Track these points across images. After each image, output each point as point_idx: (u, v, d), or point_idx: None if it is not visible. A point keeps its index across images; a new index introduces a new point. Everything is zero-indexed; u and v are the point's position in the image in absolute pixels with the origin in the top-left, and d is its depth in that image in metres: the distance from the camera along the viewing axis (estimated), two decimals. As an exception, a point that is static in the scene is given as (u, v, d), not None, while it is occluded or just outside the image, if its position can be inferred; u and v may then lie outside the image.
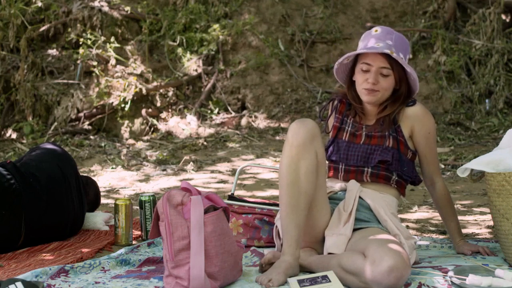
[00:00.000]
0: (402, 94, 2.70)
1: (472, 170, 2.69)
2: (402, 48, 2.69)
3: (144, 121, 6.81)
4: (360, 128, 2.77)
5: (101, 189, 3.78)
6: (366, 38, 2.73)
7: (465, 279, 2.34)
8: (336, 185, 2.76)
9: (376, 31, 2.71)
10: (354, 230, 2.58)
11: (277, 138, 6.44)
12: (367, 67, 2.66)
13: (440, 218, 3.63)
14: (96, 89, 6.91)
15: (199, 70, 7.17)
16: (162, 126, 6.76)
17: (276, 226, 2.73)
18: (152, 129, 6.78)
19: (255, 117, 6.86)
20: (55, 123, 6.71)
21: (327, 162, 2.78)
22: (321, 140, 2.57)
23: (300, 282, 2.35)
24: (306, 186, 2.48)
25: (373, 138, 2.73)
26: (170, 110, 6.99)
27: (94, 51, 7.04)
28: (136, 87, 6.85)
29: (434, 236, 3.29)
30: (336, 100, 2.87)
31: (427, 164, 2.79)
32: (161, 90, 6.99)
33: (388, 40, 2.67)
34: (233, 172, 5.25)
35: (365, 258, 2.34)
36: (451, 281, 2.37)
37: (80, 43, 7.08)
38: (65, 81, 7.02)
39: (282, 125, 6.73)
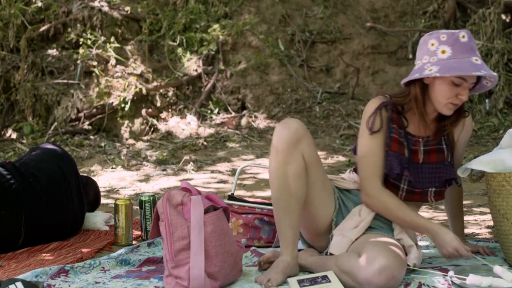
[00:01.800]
0: (463, 103, 2.60)
1: (472, 170, 2.69)
2: None
3: (144, 121, 6.81)
4: (417, 142, 2.61)
5: (101, 189, 3.78)
6: (456, 44, 2.50)
7: (465, 279, 2.34)
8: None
9: (464, 37, 2.52)
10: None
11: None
12: (460, 82, 2.48)
13: (440, 218, 3.64)
14: (96, 89, 6.91)
15: (199, 70, 7.17)
16: (162, 126, 6.77)
17: None
18: (152, 129, 6.79)
19: (255, 117, 6.86)
20: (55, 123, 6.71)
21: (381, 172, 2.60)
22: (308, 139, 2.50)
23: (300, 282, 2.35)
24: (295, 189, 2.46)
25: (431, 154, 2.60)
26: (170, 110, 6.99)
27: (94, 51, 7.04)
28: (136, 87, 6.85)
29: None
30: (385, 109, 2.59)
31: (456, 164, 2.73)
32: (161, 90, 6.99)
33: (477, 51, 2.53)
34: (233, 172, 5.25)
35: (359, 258, 2.34)
36: (452, 281, 2.37)
37: (80, 43, 7.08)
38: (65, 81, 7.02)
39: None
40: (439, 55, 2.50)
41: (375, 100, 2.62)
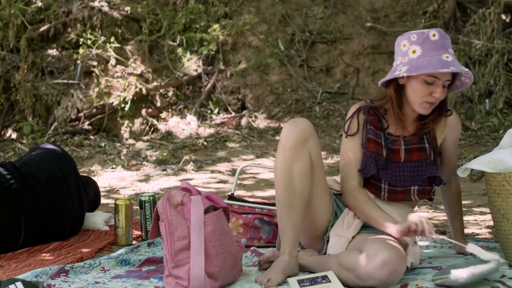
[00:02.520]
0: (445, 101, 2.61)
1: (472, 170, 2.69)
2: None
3: (144, 121, 6.81)
4: (398, 142, 2.63)
5: (101, 189, 3.78)
6: (426, 43, 2.52)
7: (447, 277, 2.33)
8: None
9: (434, 35, 2.53)
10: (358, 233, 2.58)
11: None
12: (433, 80, 2.50)
13: (440, 218, 3.64)
14: (96, 89, 6.91)
15: (199, 70, 7.17)
16: (162, 126, 6.77)
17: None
18: (152, 129, 6.79)
19: (255, 117, 6.86)
20: (55, 123, 6.71)
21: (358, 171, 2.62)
22: (315, 139, 2.53)
23: (300, 282, 2.35)
24: (300, 187, 2.47)
25: (413, 152, 2.62)
26: (170, 110, 6.99)
27: (94, 51, 7.04)
28: (136, 87, 6.85)
29: (434, 236, 3.29)
30: (362, 112, 2.65)
31: (449, 166, 2.74)
32: (161, 90, 6.99)
33: (449, 48, 2.53)
34: (233, 172, 5.25)
35: (360, 254, 2.35)
36: (435, 284, 2.36)
37: (80, 43, 7.08)
38: (65, 81, 7.02)
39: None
40: (410, 55, 2.53)
41: (355, 105, 2.70)
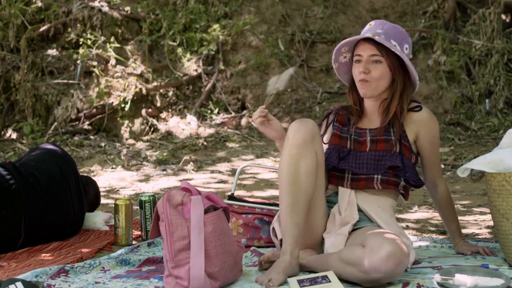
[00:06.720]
0: (398, 84, 2.65)
1: (472, 170, 2.69)
2: (395, 36, 2.64)
3: (144, 121, 6.81)
4: (364, 133, 2.70)
5: (101, 189, 3.78)
6: (362, 32, 2.72)
7: (451, 279, 2.33)
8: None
9: (370, 24, 2.71)
10: (352, 231, 2.59)
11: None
12: (359, 58, 2.66)
13: (440, 218, 3.64)
14: (96, 89, 6.91)
15: (199, 70, 7.17)
16: (162, 126, 6.77)
17: (273, 228, 2.71)
18: (152, 129, 6.79)
19: (255, 117, 6.85)
20: (55, 123, 6.71)
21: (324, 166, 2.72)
22: (320, 140, 2.59)
23: (300, 282, 2.35)
24: (306, 185, 2.48)
25: (378, 143, 2.66)
26: (170, 110, 6.99)
27: (94, 51, 7.04)
28: (136, 87, 6.85)
29: (434, 236, 3.29)
30: (331, 114, 2.83)
31: (430, 167, 2.76)
32: (161, 90, 6.99)
33: (378, 29, 2.64)
34: (233, 172, 5.25)
35: (363, 248, 2.35)
36: (437, 282, 2.36)
37: (80, 43, 7.08)
38: (65, 81, 7.02)
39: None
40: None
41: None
